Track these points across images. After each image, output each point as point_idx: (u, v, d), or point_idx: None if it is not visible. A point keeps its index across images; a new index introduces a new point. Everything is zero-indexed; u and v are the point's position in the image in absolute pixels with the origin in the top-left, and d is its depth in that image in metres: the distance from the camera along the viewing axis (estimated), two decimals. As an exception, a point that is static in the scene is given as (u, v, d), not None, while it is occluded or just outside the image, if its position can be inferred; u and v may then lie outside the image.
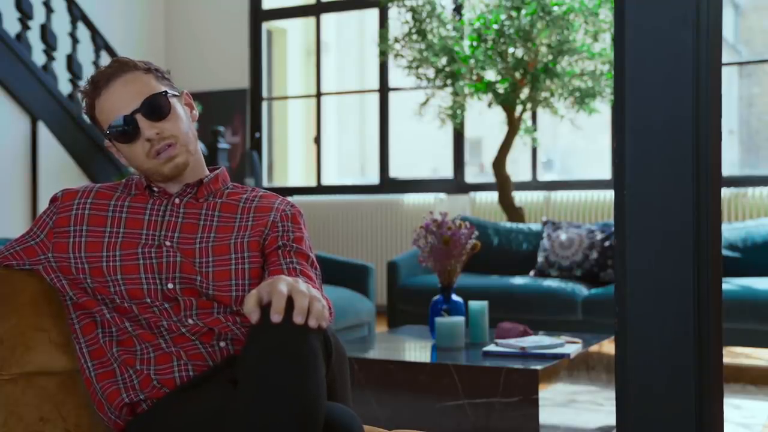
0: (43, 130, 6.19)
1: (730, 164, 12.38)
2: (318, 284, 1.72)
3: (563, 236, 4.81)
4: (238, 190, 1.80)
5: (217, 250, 1.67)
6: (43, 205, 6.14)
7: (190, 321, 1.62)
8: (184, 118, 1.73)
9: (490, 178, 6.60)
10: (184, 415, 1.51)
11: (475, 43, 5.37)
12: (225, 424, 1.44)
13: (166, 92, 1.69)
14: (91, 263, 1.65)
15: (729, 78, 12.40)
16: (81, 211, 1.70)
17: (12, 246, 1.73)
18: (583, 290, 4.48)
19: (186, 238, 1.68)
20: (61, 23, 6.43)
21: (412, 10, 5.52)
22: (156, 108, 1.67)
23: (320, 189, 7.22)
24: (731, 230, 4.67)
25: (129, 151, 1.70)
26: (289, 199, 6.73)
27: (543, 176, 7.02)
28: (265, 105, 7.63)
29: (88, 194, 1.73)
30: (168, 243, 1.67)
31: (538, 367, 2.64)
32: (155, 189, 1.72)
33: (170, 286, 1.63)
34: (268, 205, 1.76)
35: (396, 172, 7.18)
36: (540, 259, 4.85)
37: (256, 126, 7.44)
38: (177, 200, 1.72)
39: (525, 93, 5.45)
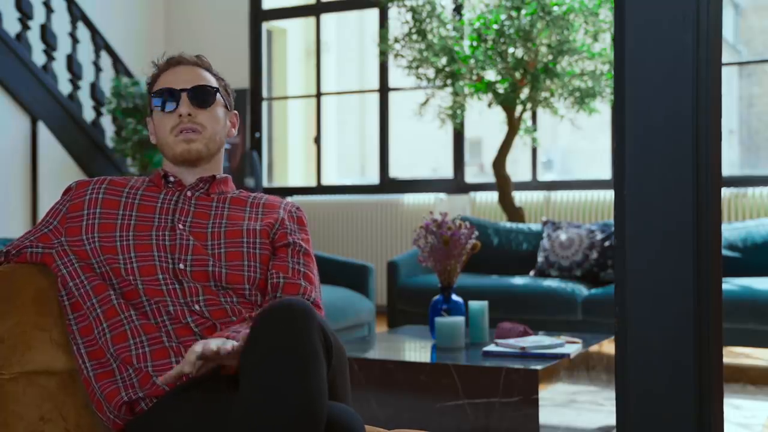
0: (43, 130, 6.19)
1: (730, 164, 12.38)
2: (318, 284, 1.78)
3: (563, 236, 4.81)
4: (244, 193, 1.87)
5: (230, 234, 1.74)
6: (43, 205, 6.15)
7: (197, 307, 1.64)
8: (221, 122, 1.83)
9: (490, 178, 6.60)
10: (184, 415, 1.51)
11: (475, 43, 5.37)
12: (226, 424, 1.44)
13: (217, 89, 1.82)
14: (103, 242, 1.68)
15: (729, 78, 12.40)
16: (95, 196, 1.76)
17: (26, 236, 1.77)
18: (583, 290, 4.48)
19: (198, 223, 1.74)
20: (61, 23, 6.43)
21: (412, 10, 5.51)
22: (201, 95, 1.78)
23: (320, 189, 7.23)
24: (731, 230, 4.67)
25: (160, 121, 1.78)
26: (289, 199, 6.72)
27: (543, 176, 7.02)
28: (265, 105, 7.63)
29: (102, 182, 1.79)
30: (181, 226, 1.72)
31: (538, 367, 2.64)
32: (171, 179, 1.78)
33: (181, 266, 1.67)
34: (276, 203, 1.85)
35: (396, 172, 7.18)
36: (540, 259, 4.85)
37: (256, 126, 7.44)
38: (189, 193, 1.78)
39: (525, 93, 5.45)
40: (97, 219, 1.72)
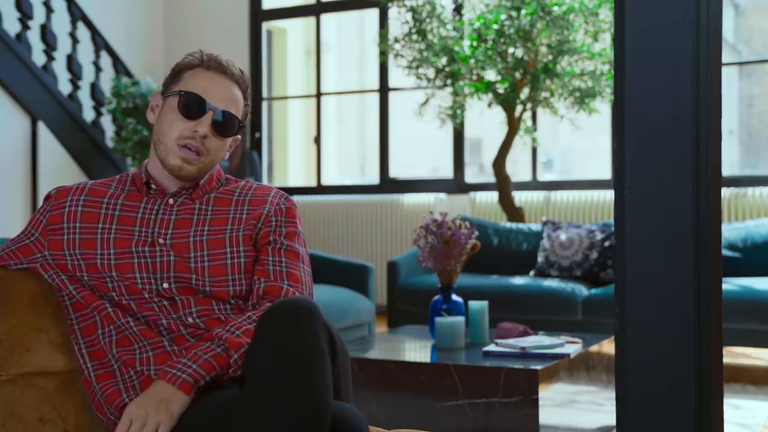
0: (43, 130, 6.19)
1: (730, 164, 12.37)
2: (308, 280, 1.72)
3: (563, 236, 4.81)
4: (231, 183, 1.80)
5: (212, 243, 1.67)
6: (43, 205, 6.14)
7: (190, 320, 1.62)
8: (225, 147, 1.76)
9: (490, 178, 6.60)
10: (189, 415, 1.50)
11: (475, 43, 5.37)
12: (231, 423, 1.44)
13: (241, 125, 1.74)
14: (86, 260, 1.65)
15: (729, 78, 12.39)
16: (74, 208, 1.70)
17: (8, 246, 1.73)
18: (583, 290, 4.48)
19: (179, 233, 1.68)
20: (61, 23, 6.43)
21: (412, 10, 5.51)
22: (227, 125, 1.71)
23: (320, 189, 7.22)
24: (731, 230, 4.67)
25: (171, 120, 1.70)
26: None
27: (543, 176, 7.02)
28: (265, 105, 7.63)
29: (81, 191, 1.74)
30: (161, 240, 1.66)
31: (538, 367, 2.64)
32: (153, 186, 1.73)
33: (165, 285, 1.64)
34: (262, 198, 1.76)
35: (396, 172, 7.18)
36: (540, 259, 4.85)
37: (256, 126, 7.44)
38: (171, 200, 1.72)
39: (525, 93, 5.45)
40: (78, 234, 1.67)
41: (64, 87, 6.51)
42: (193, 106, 1.68)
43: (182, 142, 1.68)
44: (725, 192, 5.60)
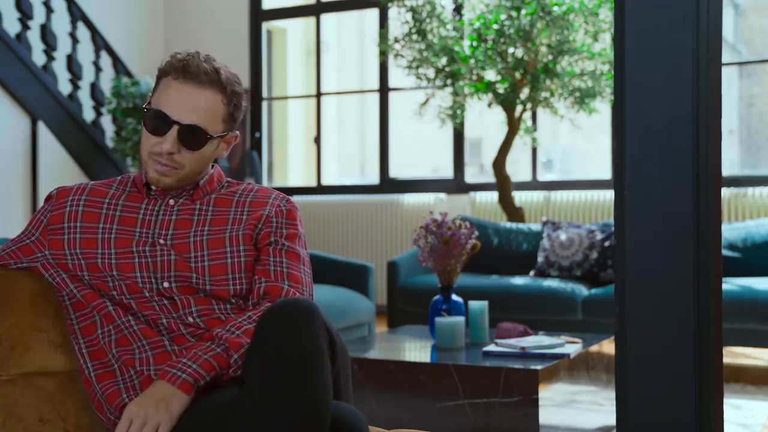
0: (43, 130, 6.19)
1: (730, 164, 12.36)
2: (308, 282, 1.72)
3: (563, 236, 4.81)
4: (233, 186, 1.80)
5: (212, 243, 1.67)
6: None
7: (190, 319, 1.63)
8: (207, 154, 1.71)
9: (490, 178, 6.60)
10: (189, 415, 1.51)
11: (475, 43, 5.37)
12: (231, 423, 1.44)
13: (210, 137, 1.68)
14: (87, 259, 1.65)
15: (729, 78, 12.39)
16: (75, 208, 1.71)
17: (8, 246, 1.73)
18: (583, 290, 4.48)
19: (180, 234, 1.68)
20: (61, 23, 6.43)
21: (412, 10, 5.51)
22: (192, 137, 1.66)
23: (320, 189, 7.22)
24: (731, 230, 4.67)
25: (145, 133, 1.68)
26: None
27: (543, 176, 7.02)
28: (265, 105, 7.62)
29: (82, 191, 1.74)
30: (162, 241, 1.67)
31: (538, 367, 2.64)
32: (153, 188, 1.72)
33: (166, 285, 1.64)
34: (263, 199, 1.75)
35: (396, 172, 7.18)
36: (540, 259, 4.85)
37: (256, 126, 7.44)
38: (171, 201, 1.72)
39: (525, 93, 5.45)
40: (78, 233, 1.67)
41: (64, 87, 6.51)
42: (156, 123, 1.66)
43: (153, 157, 1.67)
44: (725, 192, 5.60)
